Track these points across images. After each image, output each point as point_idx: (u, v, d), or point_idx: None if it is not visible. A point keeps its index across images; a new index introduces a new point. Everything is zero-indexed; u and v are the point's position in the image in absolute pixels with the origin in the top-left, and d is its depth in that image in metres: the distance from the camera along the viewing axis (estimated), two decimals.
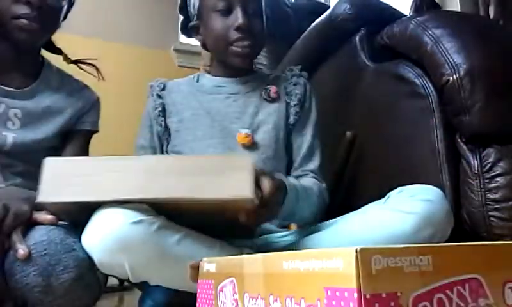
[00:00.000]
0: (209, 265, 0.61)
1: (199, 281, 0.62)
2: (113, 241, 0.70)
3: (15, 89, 0.96)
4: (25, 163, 0.93)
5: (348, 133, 1.15)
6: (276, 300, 0.45)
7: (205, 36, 1.05)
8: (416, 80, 1.01)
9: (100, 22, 2.68)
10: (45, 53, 1.07)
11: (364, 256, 0.36)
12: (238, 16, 0.98)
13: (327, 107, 1.17)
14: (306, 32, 1.41)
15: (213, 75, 1.09)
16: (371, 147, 1.14)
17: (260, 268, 0.49)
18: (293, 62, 1.28)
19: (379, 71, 1.15)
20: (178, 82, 1.10)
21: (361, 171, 1.16)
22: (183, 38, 2.84)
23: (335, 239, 0.83)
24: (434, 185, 0.83)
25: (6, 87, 0.95)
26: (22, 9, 0.91)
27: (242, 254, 0.76)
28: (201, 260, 0.64)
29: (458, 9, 2.36)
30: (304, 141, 1.03)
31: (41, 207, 0.75)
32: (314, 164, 1.01)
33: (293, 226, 1.02)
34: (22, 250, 0.70)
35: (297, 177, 0.99)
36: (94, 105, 1.08)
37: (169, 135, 1.04)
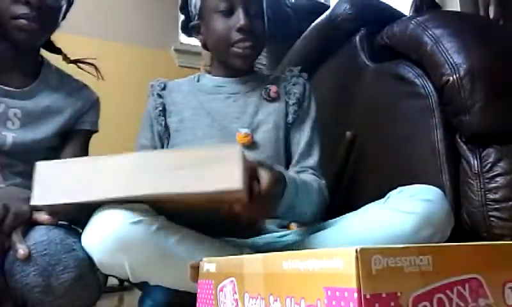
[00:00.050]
0: (209, 265, 0.61)
1: (199, 281, 0.62)
2: (113, 241, 0.70)
3: (14, 89, 0.96)
4: (25, 163, 0.93)
5: (348, 133, 1.15)
6: (276, 300, 0.45)
7: (206, 36, 1.05)
8: (416, 80, 1.01)
9: (100, 22, 2.68)
10: (44, 53, 1.07)
11: (364, 256, 0.36)
12: (240, 18, 0.98)
13: (327, 107, 1.17)
14: (306, 32, 1.41)
15: (213, 75, 1.09)
16: (371, 147, 1.14)
17: (260, 268, 0.49)
18: (293, 63, 1.28)
19: (379, 71, 1.15)
20: (178, 82, 1.10)
21: (361, 171, 1.16)
22: (183, 38, 2.84)
23: (335, 239, 0.83)
24: (434, 185, 0.83)
25: (6, 87, 0.95)
26: (21, 10, 0.91)
27: (242, 254, 0.76)
28: (201, 260, 0.63)
29: (458, 9, 2.36)
30: (303, 137, 1.02)
31: (41, 207, 0.75)
32: (313, 160, 1.01)
33: (293, 226, 1.02)
34: (22, 250, 0.70)
35: (296, 173, 0.99)
36: (94, 104, 1.08)
37: (170, 134, 1.04)
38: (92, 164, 0.74)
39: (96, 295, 0.78)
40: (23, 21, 0.91)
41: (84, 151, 1.05)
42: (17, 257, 0.70)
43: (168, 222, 0.75)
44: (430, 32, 0.98)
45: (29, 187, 0.76)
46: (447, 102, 0.94)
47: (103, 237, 0.71)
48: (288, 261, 0.44)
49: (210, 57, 1.13)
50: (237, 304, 0.52)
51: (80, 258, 0.73)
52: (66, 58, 1.09)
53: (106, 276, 0.79)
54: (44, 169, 0.73)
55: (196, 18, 1.07)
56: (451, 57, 0.92)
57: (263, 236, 0.93)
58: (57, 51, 1.09)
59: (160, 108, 1.04)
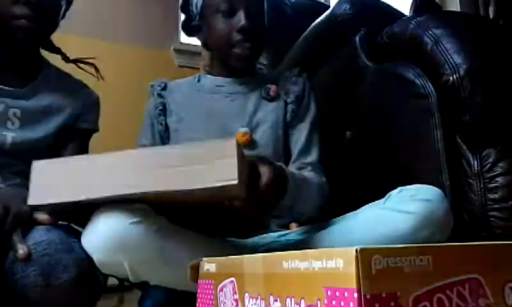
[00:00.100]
0: (209, 265, 0.61)
1: (199, 281, 0.62)
2: (113, 241, 0.70)
3: (14, 89, 0.96)
4: (25, 163, 0.92)
5: (348, 133, 1.15)
6: (276, 300, 0.45)
7: (207, 36, 1.06)
8: (416, 80, 1.01)
9: (100, 22, 2.68)
10: (44, 53, 1.07)
11: (364, 256, 0.36)
12: (241, 18, 0.98)
13: (327, 107, 1.17)
14: (306, 32, 1.41)
15: (213, 75, 1.09)
16: (371, 147, 1.14)
17: (260, 268, 0.49)
18: (293, 63, 1.28)
19: (379, 71, 1.15)
20: (179, 82, 1.11)
21: (362, 171, 1.16)
22: (183, 38, 2.84)
23: (335, 239, 0.83)
24: (434, 185, 0.83)
25: (5, 87, 0.95)
26: (22, 10, 0.91)
27: (242, 254, 0.75)
28: (201, 260, 0.63)
29: (458, 9, 2.36)
30: (302, 133, 1.02)
31: (38, 206, 0.75)
32: (313, 157, 1.01)
33: (293, 226, 1.02)
34: (22, 250, 0.70)
35: (296, 170, 0.98)
36: (94, 104, 1.08)
37: (170, 134, 1.04)
38: (89, 162, 0.73)
39: (96, 295, 0.78)
40: (23, 21, 0.91)
41: (84, 151, 1.05)
42: (17, 257, 0.70)
43: (168, 222, 0.75)
44: (430, 32, 0.98)
45: (28, 187, 0.76)
46: (447, 102, 0.94)
47: (103, 237, 0.70)
48: (288, 261, 0.44)
49: (210, 57, 1.13)
50: (237, 304, 0.52)
51: (80, 258, 0.73)
52: (65, 58, 1.09)
53: (106, 276, 0.79)
54: (41, 169, 0.72)
55: (197, 17, 1.07)
56: (451, 57, 0.92)
57: (263, 236, 0.93)
58: (57, 51, 1.09)
59: (161, 108, 1.04)
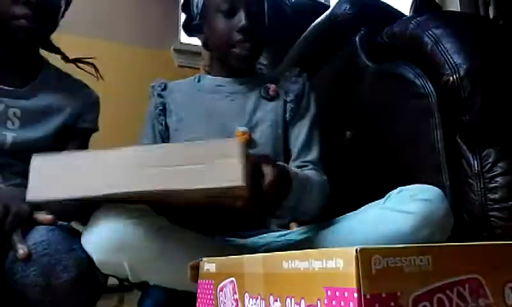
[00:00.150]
0: (209, 265, 0.61)
1: (199, 281, 0.62)
2: (113, 241, 0.70)
3: (14, 89, 0.96)
4: (25, 162, 0.92)
5: (348, 133, 1.15)
6: (276, 300, 0.45)
7: (208, 35, 1.06)
8: (416, 80, 1.01)
9: (100, 22, 2.68)
10: (43, 53, 1.07)
11: (364, 256, 0.36)
12: (241, 18, 0.98)
13: (327, 107, 1.17)
14: (306, 32, 1.41)
15: (213, 75, 1.09)
16: (371, 147, 1.14)
17: (260, 268, 0.49)
18: (293, 62, 1.28)
19: (379, 71, 1.15)
20: (179, 82, 1.11)
21: (361, 171, 1.16)
22: (183, 38, 2.84)
23: (335, 239, 0.83)
24: (434, 185, 0.83)
25: (5, 87, 0.95)
26: (21, 10, 0.91)
27: (242, 254, 0.75)
28: (201, 260, 0.63)
29: (458, 9, 2.36)
30: (302, 132, 1.02)
31: (41, 207, 0.75)
32: (313, 155, 1.01)
33: (293, 226, 1.01)
34: (22, 250, 0.70)
35: (297, 168, 0.98)
36: (93, 104, 1.08)
37: (170, 134, 1.04)
38: (90, 158, 0.72)
39: (96, 295, 0.78)
40: (23, 21, 0.91)
41: None
42: (17, 257, 0.70)
43: (168, 222, 0.75)
44: (430, 32, 0.98)
45: None
46: (447, 102, 0.94)
47: (103, 237, 0.70)
48: (288, 261, 0.44)
49: (210, 57, 1.13)
50: (237, 304, 0.52)
51: (80, 258, 0.73)
52: (65, 58, 1.09)
53: (106, 276, 0.79)
54: (40, 164, 0.71)
55: (197, 17, 1.07)
56: (451, 57, 0.92)
57: (263, 236, 0.93)
58: (56, 51, 1.09)
59: (161, 108, 1.04)
